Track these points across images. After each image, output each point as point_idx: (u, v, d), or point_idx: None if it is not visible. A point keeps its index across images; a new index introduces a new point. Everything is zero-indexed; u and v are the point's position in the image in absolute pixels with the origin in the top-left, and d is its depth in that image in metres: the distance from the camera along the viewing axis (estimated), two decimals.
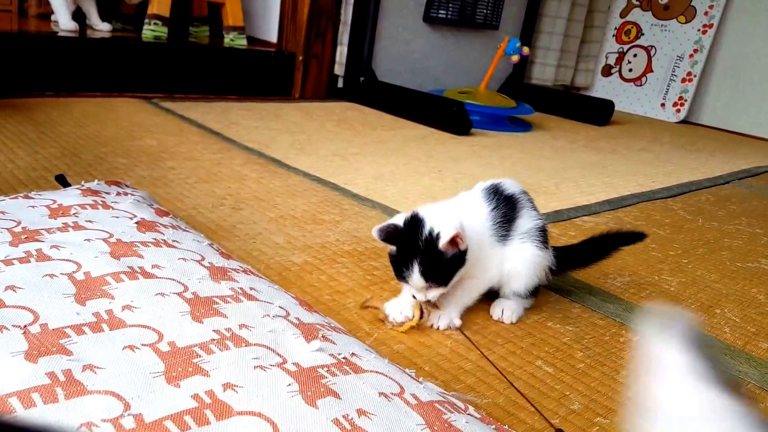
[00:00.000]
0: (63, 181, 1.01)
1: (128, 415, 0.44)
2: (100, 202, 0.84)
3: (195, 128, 1.78)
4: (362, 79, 2.59)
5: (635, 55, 3.53)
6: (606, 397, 0.73)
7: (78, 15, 2.30)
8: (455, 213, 0.80)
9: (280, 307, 0.66)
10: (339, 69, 2.63)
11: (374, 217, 1.24)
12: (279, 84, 2.52)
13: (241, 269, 0.75)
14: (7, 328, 0.52)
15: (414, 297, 0.80)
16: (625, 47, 3.58)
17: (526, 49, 2.66)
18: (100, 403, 0.45)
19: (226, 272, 0.72)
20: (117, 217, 0.81)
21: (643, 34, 3.50)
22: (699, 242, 1.36)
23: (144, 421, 0.44)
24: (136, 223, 0.80)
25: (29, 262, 0.64)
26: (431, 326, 0.82)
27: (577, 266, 0.99)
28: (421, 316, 0.81)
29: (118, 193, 0.91)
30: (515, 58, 2.66)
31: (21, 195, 0.84)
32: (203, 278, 0.68)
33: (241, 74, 2.40)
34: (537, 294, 0.92)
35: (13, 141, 1.40)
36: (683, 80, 3.33)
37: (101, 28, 2.34)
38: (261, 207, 1.21)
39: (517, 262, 0.86)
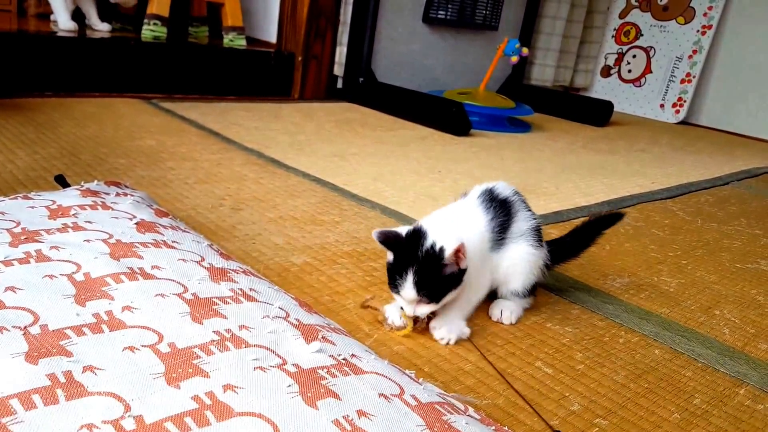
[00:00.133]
0: (62, 182, 1.01)
1: (129, 416, 0.44)
2: (100, 203, 0.84)
3: (194, 129, 1.78)
4: (362, 79, 2.59)
5: (634, 56, 3.54)
6: (606, 398, 0.73)
7: (77, 15, 2.30)
8: (457, 227, 0.80)
9: (279, 308, 0.66)
10: (338, 69, 2.63)
11: (374, 218, 1.24)
12: (278, 84, 2.52)
13: (241, 270, 0.75)
14: (7, 329, 0.52)
15: (402, 309, 0.79)
16: (624, 48, 3.58)
17: (525, 50, 2.66)
18: (101, 405, 0.45)
19: (225, 273, 0.72)
20: (116, 217, 0.81)
21: (642, 35, 3.51)
22: (698, 243, 1.36)
23: (144, 423, 0.44)
24: (135, 223, 0.80)
25: (29, 263, 0.64)
26: (440, 340, 0.79)
27: (570, 257, 0.99)
28: (415, 323, 0.80)
29: (118, 194, 0.91)
30: (514, 58, 2.66)
31: (20, 195, 0.84)
32: (203, 279, 0.68)
33: (241, 74, 2.40)
34: (535, 293, 0.92)
35: (12, 141, 1.40)
36: (682, 81, 3.34)
37: (100, 28, 2.34)
38: (260, 207, 1.21)
39: (514, 262, 0.87)
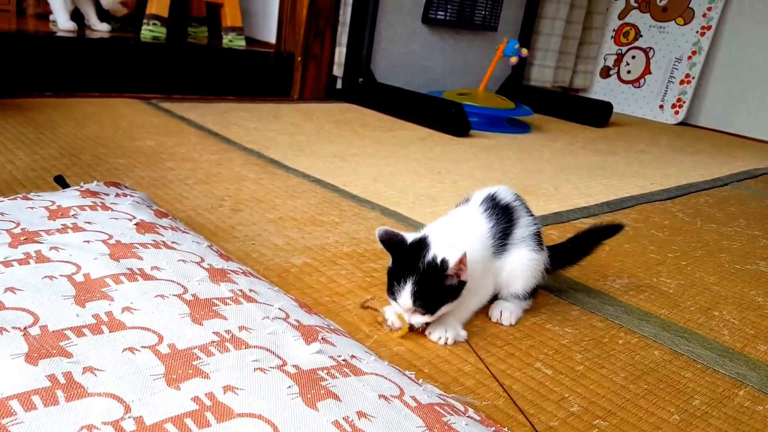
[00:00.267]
0: (62, 182, 1.01)
1: (129, 417, 0.44)
2: (99, 204, 0.84)
3: (194, 129, 1.78)
4: (361, 80, 2.59)
5: (634, 57, 3.54)
6: (605, 399, 0.73)
7: (76, 15, 2.30)
8: (460, 238, 0.81)
9: (279, 309, 0.66)
10: (338, 70, 2.63)
11: (373, 219, 1.24)
12: (278, 85, 2.52)
13: (241, 271, 0.75)
14: (6, 330, 0.51)
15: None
16: (624, 49, 3.58)
17: (524, 51, 2.66)
18: (101, 406, 0.45)
19: (225, 274, 0.72)
20: (116, 218, 0.81)
21: (641, 36, 3.51)
22: (698, 244, 1.36)
23: (145, 424, 0.44)
24: (135, 224, 0.80)
25: (28, 263, 0.63)
26: (438, 340, 0.80)
27: (568, 263, 1.00)
28: (411, 330, 0.80)
29: (117, 195, 0.91)
30: (514, 59, 2.66)
31: (20, 196, 0.84)
32: (203, 280, 0.68)
33: (240, 75, 2.40)
34: (535, 295, 0.92)
35: (11, 141, 1.40)
36: (682, 82, 3.34)
37: (100, 28, 2.34)
38: (260, 208, 1.21)
39: (515, 266, 0.87)
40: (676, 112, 3.37)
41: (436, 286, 0.76)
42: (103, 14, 2.38)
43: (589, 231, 0.99)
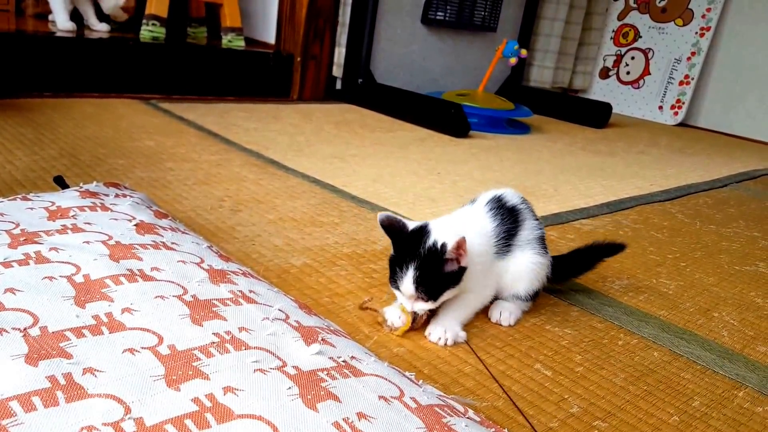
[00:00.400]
0: (61, 183, 1.01)
1: (129, 418, 0.44)
2: (99, 204, 0.84)
3: (193, 129, 1.78)
4: (361, 80, 2.59)
5: (633, 58, 3.54)
6: (605, 400, 0.73)
7: (75, 15, 2.30)
8: (463, 229, 0.81)
9: (279, 310, 0.66)
10: (337, 70, 2.63)
11: (373, 219, 1.24)
12: (277, 85, 2.52)
13: (241, 272, 0.75)
14: (6, 331, 0.51)
15: (401, 304, 0.80)
16: (623, 50, 3.59)
17: (524, 52, 2.67)
18: (101, 407, 0.45)
19: (225, 275, 0.72)
20: (116, 219, 0.80)
21: (640, 37, 3.51)
22: (697, 245, 1.37)
23: (145, 425, 0.44)
24: (135, 225, 0.80)
25: (28, 264, 0.63)
26: (438, 341, 0.80)
27: (568, 277, 1.01)
28: (414, 321, 0.81)
29: (117, 195, 0.91)
30: (513, 60, 2.66)
31: (19, 196, 0.84)
32: (203, 281, 0.68)
33: (239, 75, 2.40)
34: (536, 298, 0.92)
35: (11, 142, 1.40)
36: (681, 83, 3.34)
37: (99, 28, 2.34)
38: (260, 209, 1.21)
39: (519, 268, 0.87)
40: (676, 113, 3.37)
41: (437, 271, 0.76)
42: (103, 14, 2.38)
43: (591, 247, 0.99)
